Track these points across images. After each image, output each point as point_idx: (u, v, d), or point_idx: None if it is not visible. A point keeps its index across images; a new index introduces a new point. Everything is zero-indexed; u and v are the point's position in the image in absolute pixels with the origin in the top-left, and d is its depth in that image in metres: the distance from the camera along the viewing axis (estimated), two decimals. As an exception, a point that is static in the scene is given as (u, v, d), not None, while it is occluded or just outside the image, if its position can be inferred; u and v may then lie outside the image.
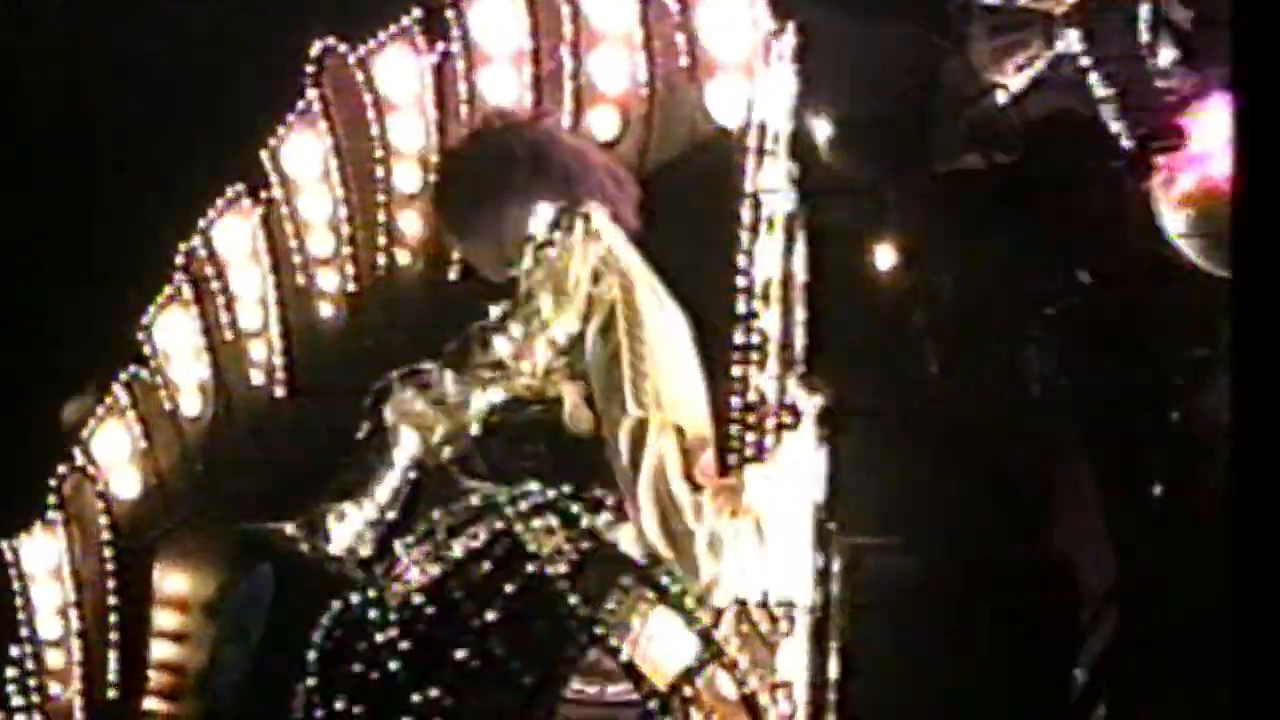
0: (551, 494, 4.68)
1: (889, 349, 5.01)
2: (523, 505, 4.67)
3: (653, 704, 4.45)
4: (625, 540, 4.60)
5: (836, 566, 4.31)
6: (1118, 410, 5.01)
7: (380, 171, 6.82)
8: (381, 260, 6.87)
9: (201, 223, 7.50)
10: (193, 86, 7.48)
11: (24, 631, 8.06)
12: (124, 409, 7.91)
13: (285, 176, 7.17)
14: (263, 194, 7.29)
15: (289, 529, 4.89)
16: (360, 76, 6.81)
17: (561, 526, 4.63)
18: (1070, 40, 4.93)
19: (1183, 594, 4.85)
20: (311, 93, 6.98)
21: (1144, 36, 4.82)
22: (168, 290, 7.72)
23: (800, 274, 4.61)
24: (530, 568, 4.57)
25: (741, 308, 4.79)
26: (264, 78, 7.21)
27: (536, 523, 4.64)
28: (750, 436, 4.68)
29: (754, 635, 4.42)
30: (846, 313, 4.81)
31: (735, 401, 4.75)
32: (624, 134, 5.80)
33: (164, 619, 7.85)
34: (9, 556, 8.10)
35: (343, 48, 6.87)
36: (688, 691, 4.47)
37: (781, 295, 4.64)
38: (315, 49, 6.92)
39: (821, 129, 4.92)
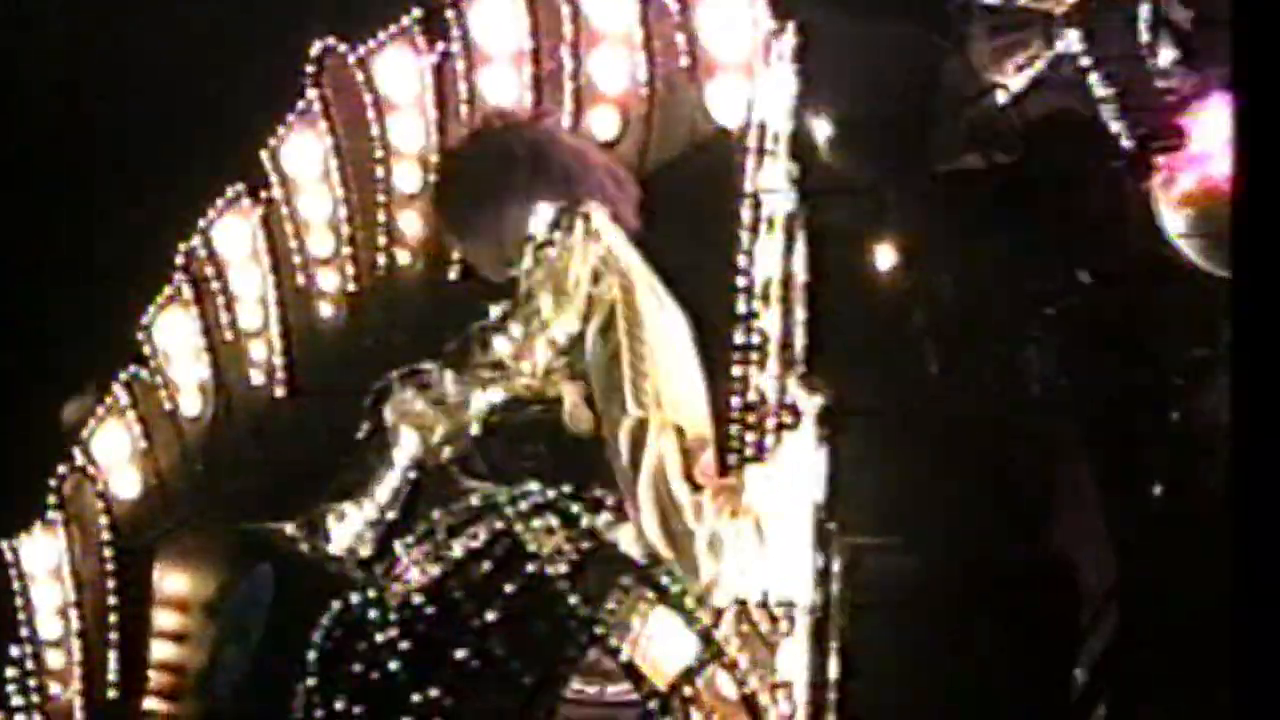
0: (551, 494, 4.69)
1: (889, 349, 5.02)
2: (523, 505, 4.67)
3: (653, 704, 4.45)
4: (625, 540, 4.60)
5: (836, 566, 4.31)
6: (1118, 410, 5.01)
7: (380, 171, 6.82)
8: (381, 260, 6.87)
9: (201, 223, 7.49)
10: (193, 86, 7.48)
11: (24, 631, 8.05)
12: (124, 409, 7.90)
13: (285, 176, 7.17)
14: (263, 194, 7.28)
15: (289, 529, 4.89)
16: (360, 76, 6.80)
17: (561, 526, 4.64)
18: (1070, 40, 4.92)
19: (1183, 594, 4.85)
20: (311, 93, 6.98)
21: (1144, 37, 4.82)
22: (168, 290, 7.70)
23: (800, 274, 4.61)
24: (530, 568, 4.57)
25: (741, 308, 4.79)
26: (264, 78, 7.20)
27: (536, 523, 4.64)
28: (750, 436, 4.68)
29: (754, 635, 4.42)
30: (846, 313, 4.82)
31: (735, 401, 4.75)
32: (624, 134, 5.80)
33: (164, 619, 7.84)
34: (9, 556, 8.08)
35: (343, 48, 6.86)
36: (687, 691, 4.47)
37: (781, 295, 4.64)
38: (315, 49, 6.91)
39: (821, 129, 4.92)
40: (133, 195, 7.62)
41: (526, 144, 4.97)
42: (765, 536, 4.41)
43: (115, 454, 7.94)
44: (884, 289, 5.14)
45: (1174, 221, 4.69)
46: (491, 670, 4.49)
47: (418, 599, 4.61)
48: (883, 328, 5.06)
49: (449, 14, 6.43)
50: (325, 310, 7.18)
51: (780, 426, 4.52)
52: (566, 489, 4.68)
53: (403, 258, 6.83)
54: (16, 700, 7.98)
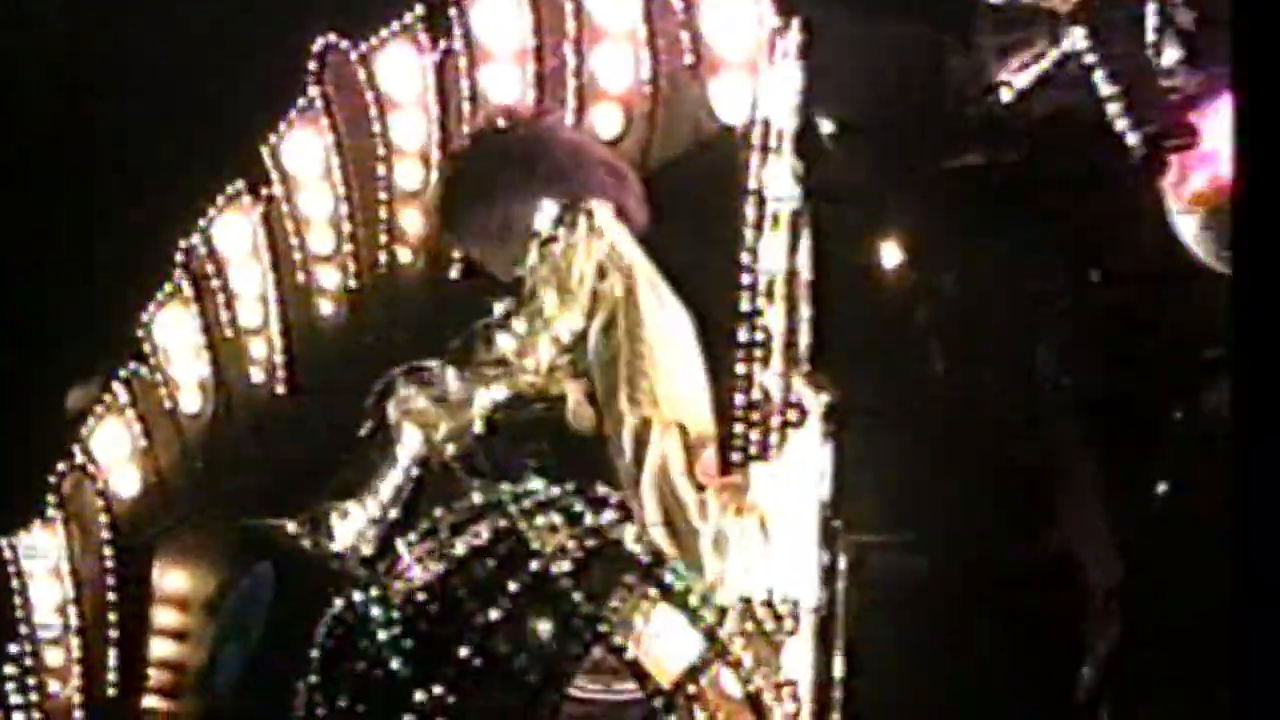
0: (555, 491, 4.68)
1: (894, 347, 5.00)
2: (526, 503, 4.66)
3: (657, 702, 4.44)
4: (629, 538, 4.59)
5: (842, 565, 4.29)
6: (1123, 410, 4.99)
7: (382, 169, 6.80)
8: (382, 258, 6.86)
9: (202, 220, 7.48)
10: (193, 84, 7.47)
11: (23, 629, 8.05)
12: (124, 407, 7.89)
13: (286, 173, 7.15)
14: (263, 191, 7.27)
15: (291, 527, 4.88)
16: (362, 74, 6.79)
17: (565, 524, 4.63)
18: (1075, 38, 4.90)
19: (1183, 594, 4.84)
20: (313, 90, 6.96)
21: (1150, 36, 4.81)
22: (168, 288, 7.69)
23: (805, 271, 4.59)
24: (534, 566, 4.56)
25: (745, 305, 4.78)
26: (265, 75, 7.19)
27: (540, 520, 4.63)
28: (754, 434, 4.67)
29: (758, 634, 4.40)
30: (851, 310, 4.79)
31: (739, 399, 4.73)
32: (627, 132, 5.78)
33: (163, 617, 7.85)
34: (8, 554, 8.08)
35: (344, 45, 6.84)
36: (691, 690, 4.46)
37: (786, 293, 4.62)
38: (317, 46, 6.90)
39: (826, 126, 4.90)
40: (133, 193, 7.63)
41: (525, 143, 4.97)
42: (770, 534, 4.40)
43: (115, 452, 7.95)
44: (889, 287, 5.12)
45: (1185, 220, 4.68)
46: (495, 669, 4.48)
47: (421, 597, 4.60)
48: (887, 325, 5.04)
49: (451, 11, 6.42)
50: (326, 308, 7.18)
51: (785, 424, 4.50)
52: (570, 487, 4.67)
53: (404, 255, 6.82)
54: (15, 698, 7.98)
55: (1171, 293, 4.96)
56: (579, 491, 4.67)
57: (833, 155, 4.85)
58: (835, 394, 4.36)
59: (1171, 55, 4.81)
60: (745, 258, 4.84)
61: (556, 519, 4.62)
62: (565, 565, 4.54)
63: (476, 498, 4.73)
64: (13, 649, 8.03)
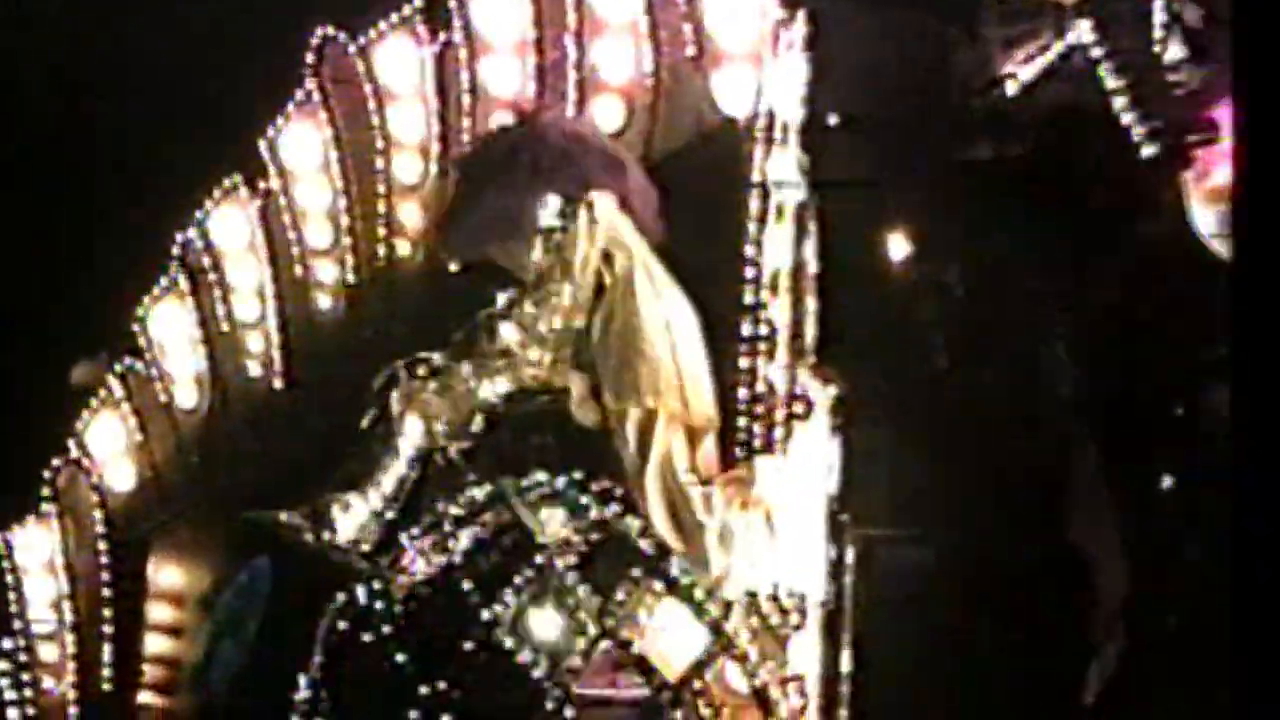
0: (559, 484, 4.67)
1: (899, 340, 4.98)
2: (530, 496, 4.65)
3: (663, 697, 4.43)
4: (634, 532, 4.58)
5: (850, 558, 4.28)
6: (1132, 405, 4.98)
7: (380, 162, 6.77)
8: (381, 251, 6.82)
9: (199, 214, 7.44)
10: (190, 79, 7.45)
11: (17, 624, 8.01)
12: (119, 401, 7.85)
13: (284, 167, 7.11)
14: (261, 184, 7.23)
15: (294, 519, 4.86)
16: (361, 66, 6.75)
17: (570, 518, 4.62)
18: (1081, 31, 4.88)
19: (1184, 594, 4.83)
20: (311, 83, 6.93)
21: (1157, 31, 4.79)
22: (164, 282, 7.65)
23: (811, 264, 4.58)
24: (539, 559, 4.55)
25: (749, 298, 4.77)
26: (263, 68, 7.16)
27: (544, 513, 4.62)
28: (758, 428, 4.66)
29: (764, 628, 4.38)
30: (855, 303, 4.77)
31: (743, 393, 4.72)
32: (629, 124, 5.74)
33: (159, 612, 7.80)
34: (2, 549, 8.04)
35: (343, 37, 6.81)
36: (697, 684, 4.45)
37: (792, 285, 4.61)
38: (315, 39, 6.86)
39: (831, 118, 4.88)
40: (130, 187, 7.60)
41: (527, 139, 4.99)
42: (775, 528, 4.39)
43: (110, 446, 7.90)
44: (892, 280, 5.10)
45: (1204, 215, 4.66)
46: (500, 662, 4.47)
47: (424, 590, 4.59)
48: (891, 319, 5.02)
49: (451, 3, 6.38)
50: (323, 302, 7.13)
51: (790, 417, 4.49)
52: (575, 479, 4.66)
53: (402, 249, 6.78)
54: (10, 694, 7.95)
55: (1184, 286, 4.94)
56: (584, 484, 4.66)
57: (838, 148, 4.81)
58: (842, 387, 4.35)
59: (1177, 51, 4.79)
60: (749, 250, 4.84)
61: (561, 512, 4.62)
62: (571, 559, 4.53)
63: (481, 491, 4.72)
64: (7, 644, 7.99)
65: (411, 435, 4.87)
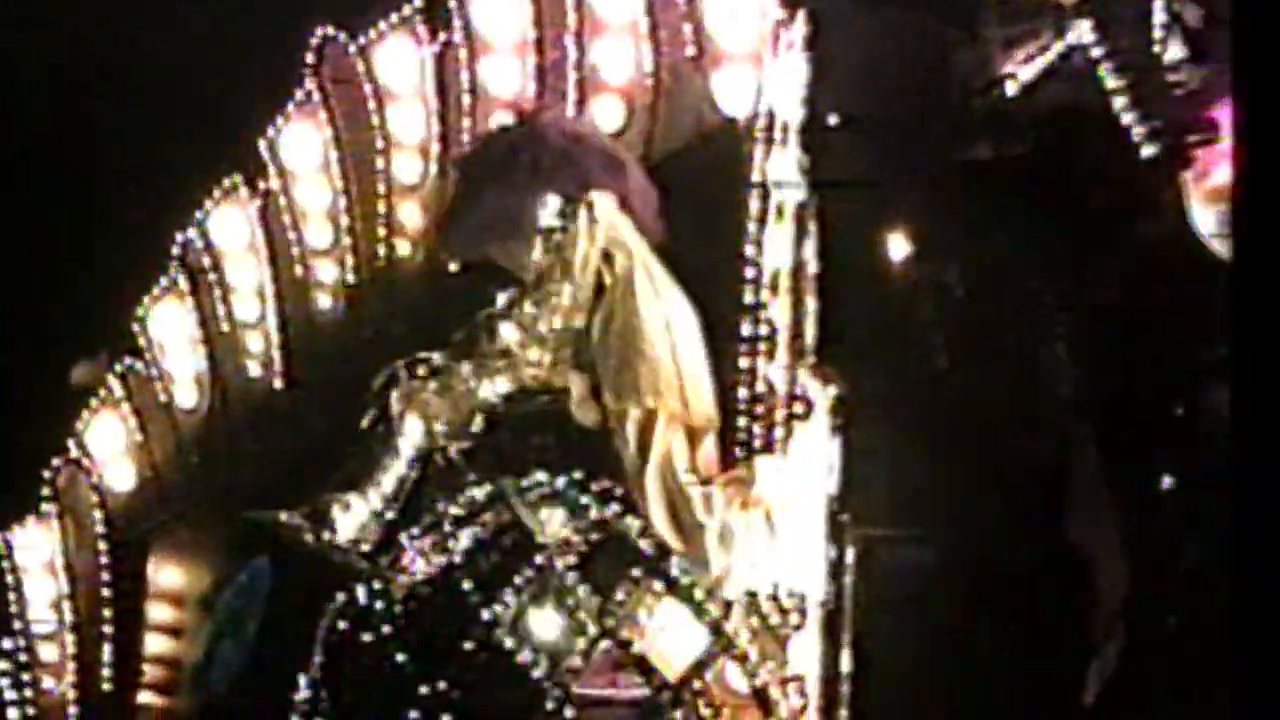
0: (559, 484, 4.67)
1: (900, 340, 4.98)
2: (530, 496, 4.65)
3: (664, 697, 4.43)
4: (634, 532, 4.58)
5: (850, 559, 4.28)
6: (1129, 406, 4.97)
7: (380, 162, 6.76)
8: (381, 251, 6.82)
9: (199, 214, 7.43)
10: (190, 79, 7.45)
11: (17, 625, 8.01)
12: (119, 401, 7.84)
13: (284, 167, 7.11)
14: (261, 185, 7.22)
15: (294, 519, 4.86)
16: (361, 66, 6.75)
17: (570, 518, 4.61)
18: (1081, 31, 4.88)
19: (1184, 594, 4.82)
20: (311, 82, 6.92)
21: (1157, 32, 4.78)
22: (164, 282, 7.65)
23: (812, 264, 4.57)
24: (539, 559, 4.55)
25: (749, 298, 4.77)
26: (263, 69, 7.16)
27: (545, 513, 4.62)
28: (758, 428, 4.66)
29: (764, 628, 4.38)
30: (858, 304, 4.77)
31: (743, 393, 4.72)
32: (629, 124, 5.74)
33: (159, 612, 7.80)
34: (2, 549, 8.04)
35: (343, 37, 6.80)
36: (697, 684, 4.44)
37: (792, 285, 4.61)
38: (315, 39, 6.86)
39: (831, 119, 4.88)
40: (130, 187, 7.59)
41: (526, 140, 4.99)
42: (775, 528, 4.39)
43: (110, 446, 7.90)
44: (892, 280, 5.10)
45: (1204, 215, 4.65)
46: (500, 662, 4.47)
47: (424, 590, 4.59)
48: (891, 319, 5.02)
49: (451, 3, 6.38)
50: (323, 301, 7.13)
51: (791, 417, 4.49)
52: (575, 479, 4.66)
53: (402, 249, 6.77)
54: (10, 694, 7.94)
55: (1191, 286, 4.94)
56: (584, 484, 4.66)
57: (838, 148, 4.80)
58: (842, 387, 4.34)
59: (1177, 52, 4.78)
60: (749, 250, 4.84)
61: (562, 512, 4.62)
62: (571, 558, 4.53)
63: (481, 491, 4.72)
64: (7, 644, 8.00)
65: (411, 435, 4.86)
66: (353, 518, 4.84)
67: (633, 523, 4.59)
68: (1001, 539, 4.75)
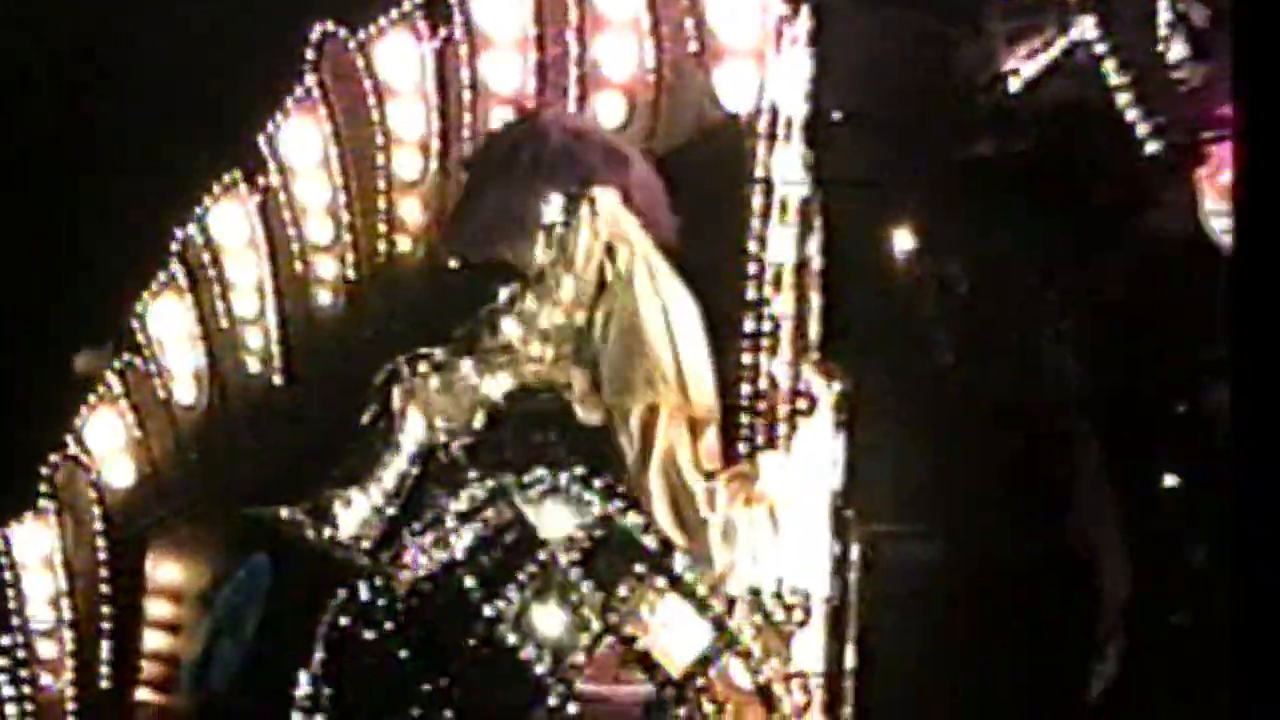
0: (562, 480, 4.66)
1: (904, 336, 4.97)
2: (533, 492, 4.64)
3: (667, 693, 4.41)
4: (638, 528, 4.57)
5: (854, 555, 4.27)
6: (1140, 403, 4.97)
7: (380, 158, 6.75)
8: (381, 247, 6.80)
9: (198, 210, 7.42)
10: (190, 75, 7.44)
11: (15, 621, 7.99)
12: (117, 397, 7.83)
13: (284, 163, 7.09)
14: (261, 181, 7.21)
15: (296, 515, 4.85)
16: (361, 62, 6.74)
17: (573, 514, 4.61)
18: (1085, 27, 4.87)
19: (1184, 593, 4.82)
20: (310, 79, 6.91)
21: (1162, 30, 4.77)
22: (163, 277, 7.64)
23: (816, 260, 4.56)
24: (542, 555, 4.54)
25: (752, 294, 4.76)
26: (262, 64, 7.14)
27: (547, 509, 4.61)
28: (761, 424, 4.65)
29: (767, 624, 4.37)
30: (861, 300, 4.76)
31: (745, 389, 4.71)
32: (630, 121, 5.73)
33: (157, 609, 7.79)
34: (0, 546, 8.02)
35: (343, 33, 6.79)
36: (701, 681, 4.43)
37: (795, 281, 4.60)
38: (315, 35, 6.84)
39: (835, 114, 4.87)
40: (130, 184, 7.57)
41: (530, 137, 4.99)
42: (779, 524, 4.37)
43: (109, 443, 7.89)
44: (895, 276, 5.09)
45: (1218, 214, 4.64)
46: (503, 659, 4.46)
47: (426, 586, 4.58)
48: (895, 315, 5.01)
49: (452, -1, 6.37)
50: (323, 298, 7.11)
51: (794, 413, 4.48)
52: (577, 475, 4.65)
53: (402, 245, 6.76)
54: (8, 690, 7.93)
55: (1178, 284, 4.93)
56: (587, 481, 4.64)
57: (841, 143, 4.79)
58: (847, 383, 4.34)
59: (1181, 50, 4.77)
60: (752, 246, 4.82)
61: (565, 508, 4.61)
62: (574, 554, 4.52)
63: (483, 487, 4.70)
64: (5, 641, 7.99)
65: (413, 431, 4.85)
66: (354, 514, 4.83)
67: (636, 519, 4.58)
68: (1005, 535, 4.74)
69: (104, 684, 7.77)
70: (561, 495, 4.64)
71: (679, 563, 4.51)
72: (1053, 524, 4.83)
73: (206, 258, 7.47)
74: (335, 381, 6.51)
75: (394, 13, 6.66)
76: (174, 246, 7.54)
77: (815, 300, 4.56)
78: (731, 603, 4.45)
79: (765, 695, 4.37)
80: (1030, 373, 5.01)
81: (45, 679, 7.96)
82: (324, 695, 4.60)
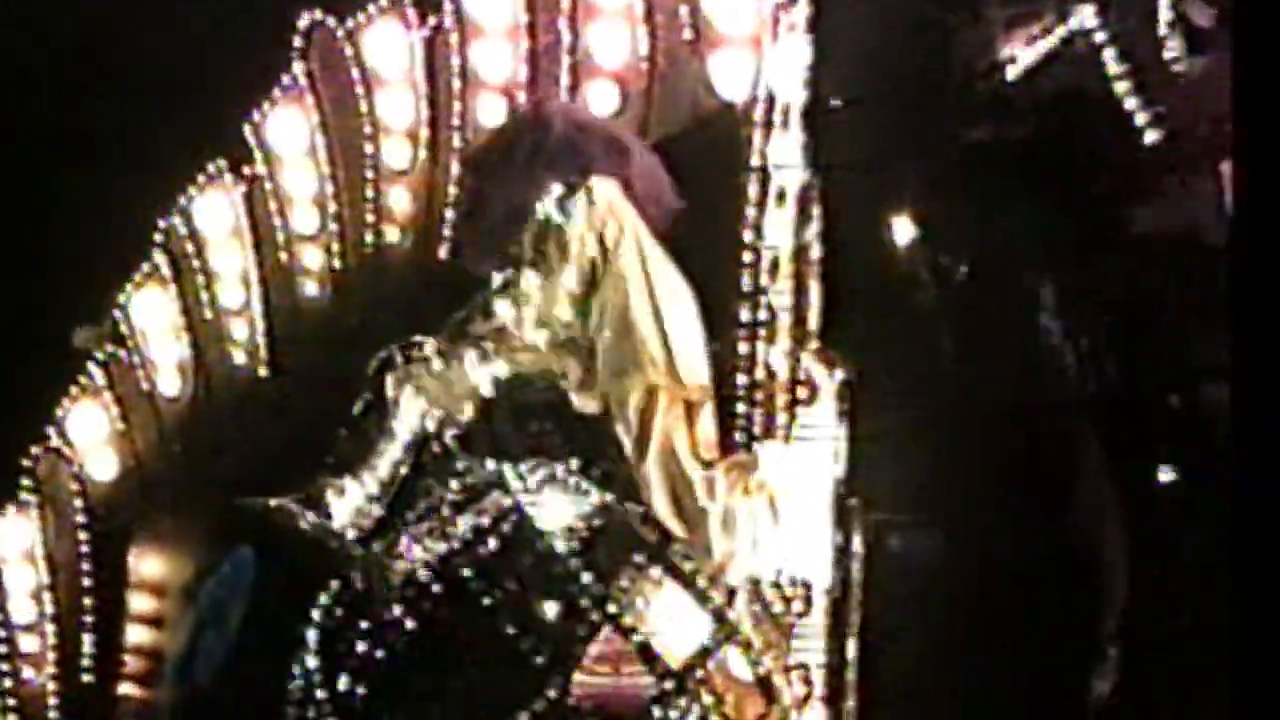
0: (560, 470, 4.63)
1: (903, 325, 4.94)
2: (530, 481, 4.61)
3: (668, 684, 4.38)
4: (637, 518, 4.54)
5: (857, 545, 4.24)
6: (1141, 399, 4.95)
7: (369, 148, 6.70)
8: (368, 238, 6.76)
9: (182, 200, 7.37)
10: (175, 62, 7.39)
11: (-3, 615, 7.94)
12: (100, 389, 7.77)
13: (270, 152, 7.04)
14: (246, 170, 7.16)
15: (289, 505, 4.81)
16: (349, 51, 6.69)
17: (571, 503, 4.58)
18: (1084, 15, 4.84)
19: (1184, 593, 4.80)
20: (298, 67, 6.86)
21: (1162, 30, 4.75)
22: (146, 268, 7.58)
23: (815, 248, 4.54)
24: (540, 544, 4.51)
25: (748, 283, 4.73)
26: (249, 52, 7.10)
27: (545, 499, 4.59)
28: (758, 414, 4.62)
29: (767, 615, 4.34)
30: (859, 288, 4.74)
31: (742, 379, 4.68)
32: (623, 109, 5.69)
33: (140, 603, 7.72)
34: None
35: (331, 21, 6.74)
36: (700, 672, 4.40)
37: (794, 270, 4.57)
38: (303, 23, 6.79)
39: (833, 101, 4.84)
40: (114, 174, 7.52)
41: (531, 130, 4.97)
42: (779, 514, 4.35)
43: (91, 435, 7.81)
44: (895, 264, 5.05)
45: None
46: (501, 650, 4.43)
47: (423, 576, 4.54)
48: (892, 304, 4.98)
49: (441, -15, 6.33)
50: (310, 288, 7.06)
51: (794, 402, 4.45)
52: (575, 464, 4.62)
53: (390, 235, 6.72)
54: (-11, 684, 7.87)
55: (1179, 277, 4.92)
56: (584, 469, 4.62)
57: (840, 130, 4.77)
58: (849, 371, 4.31)
59: (1174, 48, 4.74)
60: (748, 235, 4.80)
61: (563, 497, 4.58)
62: (573, 544, 4.49)
63: (478, 476, 4.68)
64: (-14, 635, 7.93)
65: (407, 419, 4.83)
66: (347, 503, 4.81)
67: (635, 509, 4.56)
68: (1008, 527, 4.71)
69: (86, 678, 7.70)
70: (559, 484, 4.61)
71: (678, 553, 4.48)
72: (1056, 518, 4.80)
73: (190, 248, 7.41)
74: (322, 373, 6.46)
75: (383, 1, 6.61)
76: (157, 237, 7.48)
77: (814, 288, 4.53)
78: (731, 593, 4.43)
79: (765, 687, 4.35)
80: (1028, 360, 4.98)
81: (27, 673, 7.88)
82: (318, 686, 4.56)
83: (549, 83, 5.90)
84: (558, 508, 4.59)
